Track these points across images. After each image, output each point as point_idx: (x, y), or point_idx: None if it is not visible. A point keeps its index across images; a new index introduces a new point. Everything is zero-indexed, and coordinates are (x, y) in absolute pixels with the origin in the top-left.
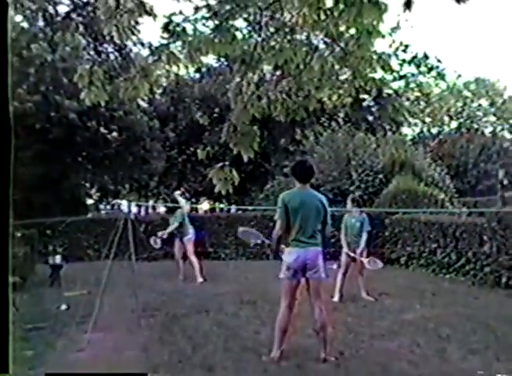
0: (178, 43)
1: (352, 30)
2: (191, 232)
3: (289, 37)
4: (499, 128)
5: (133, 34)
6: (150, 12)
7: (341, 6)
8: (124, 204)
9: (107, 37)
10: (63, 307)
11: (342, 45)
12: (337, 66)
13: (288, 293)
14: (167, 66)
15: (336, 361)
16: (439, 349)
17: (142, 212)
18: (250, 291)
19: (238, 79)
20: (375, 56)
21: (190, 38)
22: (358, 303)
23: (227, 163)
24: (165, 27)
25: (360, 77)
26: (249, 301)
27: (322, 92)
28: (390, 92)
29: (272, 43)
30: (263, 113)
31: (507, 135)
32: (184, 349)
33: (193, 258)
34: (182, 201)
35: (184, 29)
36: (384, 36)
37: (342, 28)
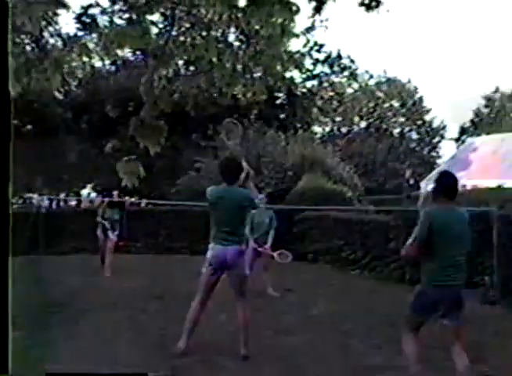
0: (94, 35)
1: (265, 30)
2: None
3: (204, 33)
4: (406, 128)
5: (49, 24)
6: (64, 3)
7: (254, 6)
8: (35, 197)
9: (23, 29)
10: None
11: (255, 43)
12: (250, 64)
13: (204, 288)
14: (81, 58)
15: (244, 359)
16: (343, 344)
17: (54, 206)
18: (158, 286)
19: (149, 74)
20: (287, 55)
21: (106, 30)
22: (264, 299)
23: (133, 157)
24: (78, 19)
25: (271, 75)
26: (157, 296)
27: (235, 89)
28: (304, 90)
29: (184, 39)
30: (174, 108)
31: (414, 136)
32: (90, 345)
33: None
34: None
35: (96, 21)
36: (297, 36)
37: (257, 27)
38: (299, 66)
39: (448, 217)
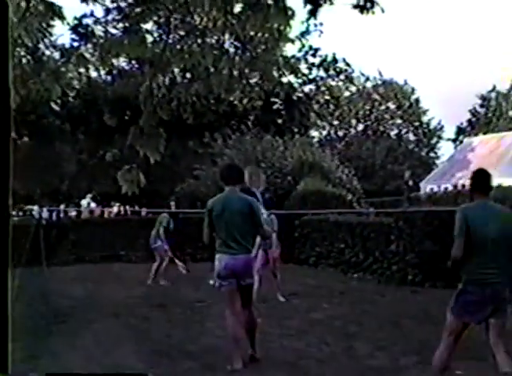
0: (90, 45)
1: (260, 35)
2: None
3: (199, 40)
4: (404, 130)
5: (45, 36)
6: (59, 15)
7: (249, 11)
8: (35, 209)
9: (19, 41)
10: None
11: (251, 49)
12: (246, 70)
13: (230, 301)
14: (78, 69)
15: (251, 359)
16: (346, 347)
17: (54, 217)
18: (160, 295)
19: (148, 82)
20: (283, 60)
21: (101, 40)
22: (268, 303)
23: (134, 165)
24: (74, 29)
25: (268, 80)
26: (159, 305)
27: (233, 95)
28: (300, 95)
29: (180, 46)
30: (172, 116)
31: (412, 138)
32: (94, 354)
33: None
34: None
35: (93, 31)
36: (293, 41)
37: (252, 33)
38: (295, 70)
39: (483, 212)
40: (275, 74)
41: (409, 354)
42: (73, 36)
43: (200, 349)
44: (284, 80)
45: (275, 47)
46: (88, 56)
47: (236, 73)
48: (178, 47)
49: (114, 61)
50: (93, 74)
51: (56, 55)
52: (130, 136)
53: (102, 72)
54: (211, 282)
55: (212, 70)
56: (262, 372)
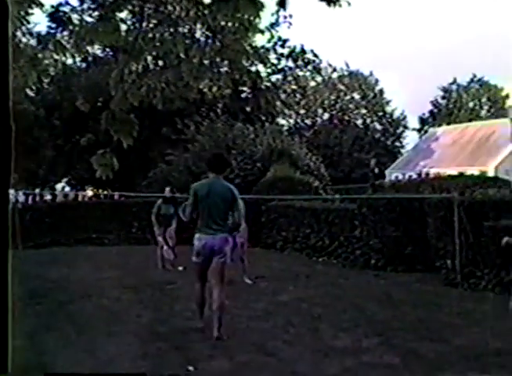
0: (65, 33)
1: (230, 25)
2: None
3: (172, 29)
4: (368, 120)
5: (22, 24)
6: (37, 2)
7: (220, 2)
8: (12, 193)
9: None
10: None
11: (221, 38)
12: (217, 59)
13: (198, 275)
14: (54, 55)
15: (216, 340)
16: (312, 328)
17: (30, 201)
18: (132, 276)
19: (120, 67)
20: (252, 50)
21: (77, 28)
22: (235, 286)
23: (108, 149)
24: (51, 16)
25: (237, 69)
26: (131, 287)
27: (202, 83)
28: (268, 84)
29: (153, 35)
30: (142, 103)
31: (378, 127)
32: (68, 335)
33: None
34: None
35: (70, 18)
36: (262, 31)
37: (223, 23)
38: (264, 60)
39: None
40: (245, 63)
41: (371, 336)
42: (50, 23)
43: (169, 331)
44: (252, 69)
45: (244, 37)
46: (64, 43)
47: (206, 62)
48: (151, 35)
49: (89, 48)
50: (68, 61)
51: (33, 42)
52: (103, 121)
53: (78, 59)
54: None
55: (183, 58)
56: (231, 353)
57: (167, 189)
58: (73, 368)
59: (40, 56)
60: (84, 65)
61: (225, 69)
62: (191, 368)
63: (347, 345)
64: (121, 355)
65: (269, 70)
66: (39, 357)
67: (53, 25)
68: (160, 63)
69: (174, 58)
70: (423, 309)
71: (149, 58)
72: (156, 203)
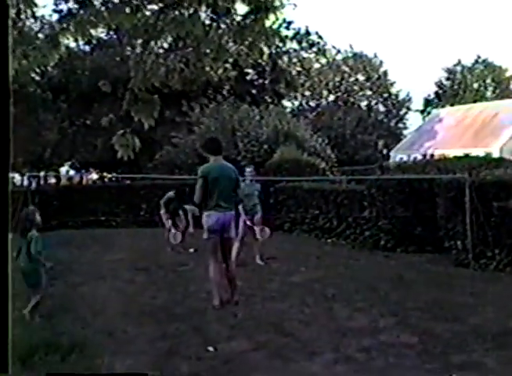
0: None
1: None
2: None
3: (191, 10)
4: (373, 102)
5: (30, 7)
6: None
7: None
8: (16, 177)
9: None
10: None
11: (239, 19)
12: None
13: (214, 250)
14: (77, 35)
15: (234, 319)
16: (327, 308)
17: (34, 184)
18: (143, 258)
19: (139, 49)
20: (271, 31)
21: (97, 8)
22: (248, 267)
23: (128, 130)
24: None
25: (256, 50)
26: (143, 268)
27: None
28: (272, 66)
29: (173, 15)
30: (161, 83)
31: (382, 109)
32: (84, 316)
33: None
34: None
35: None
36: (279, 9)
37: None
38: (282, 40)
39: None
40: (263, 45)
41: (386, 316)
42: (72, 4)
43: (186, 312)
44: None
45: (263, 17)
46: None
47: (224, 42)
48: (172, 16)
49: (93, 31)
50: (71, 44)
51: (35, 26)
52: (125, 101)
53: (81, 43)
54: (205, 237)
55: (203, 38)
56: (249, 334)
57: (171, 193)
58: (94, 349)
59: (60, 35)
60: (87, 48)
61: (245, 51)
62: (211, 349)
63: (364, 324)
64: (140, 336)
65: (274, 52)
66: (57, 338)
67: (75, 6)
68: (180, 44)
69: (194, 39)
70: (436, 289)
71: (169, 38)
72: (167, 194)
